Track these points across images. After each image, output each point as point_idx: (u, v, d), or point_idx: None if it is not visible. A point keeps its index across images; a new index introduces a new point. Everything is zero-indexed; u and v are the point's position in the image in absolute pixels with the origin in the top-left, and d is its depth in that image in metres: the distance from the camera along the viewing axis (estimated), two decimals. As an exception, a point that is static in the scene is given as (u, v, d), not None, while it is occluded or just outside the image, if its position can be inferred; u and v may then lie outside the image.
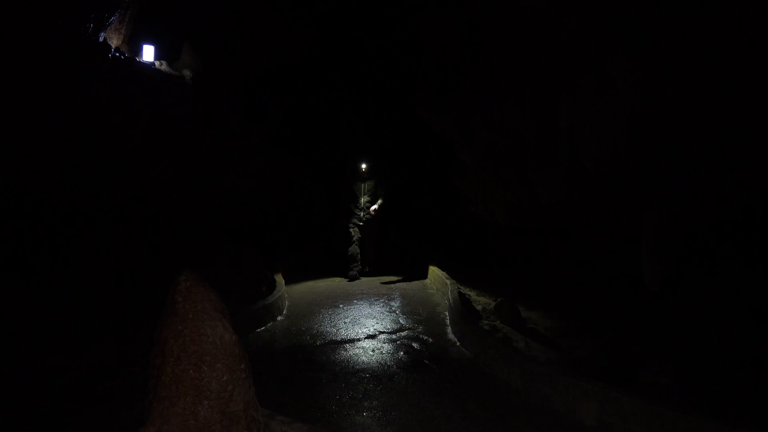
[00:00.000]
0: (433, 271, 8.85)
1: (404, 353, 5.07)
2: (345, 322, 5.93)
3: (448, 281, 7.53)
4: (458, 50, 6.68)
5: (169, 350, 2.39)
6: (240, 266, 6.05)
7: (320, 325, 5.88)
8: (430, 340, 5.47)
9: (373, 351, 5.09)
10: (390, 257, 10.66)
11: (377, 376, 4.53)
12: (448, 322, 6.09)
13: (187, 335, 2.42)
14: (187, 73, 6.94)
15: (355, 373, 4.56)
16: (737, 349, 4.93)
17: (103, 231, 5.83)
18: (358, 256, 9.06)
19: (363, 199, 8.99)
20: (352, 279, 8.89)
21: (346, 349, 5.11)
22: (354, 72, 8.23)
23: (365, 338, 5.45)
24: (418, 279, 9.13)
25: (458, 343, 5.41)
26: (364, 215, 9.00)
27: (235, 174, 7.61)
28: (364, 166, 8.97)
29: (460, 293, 6.79)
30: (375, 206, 8.91)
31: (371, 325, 5.85)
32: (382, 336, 5.53)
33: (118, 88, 5.68)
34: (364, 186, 8.99)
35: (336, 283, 8.87)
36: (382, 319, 6.08)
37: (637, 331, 5.67)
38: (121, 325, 5.09)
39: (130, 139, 5.68)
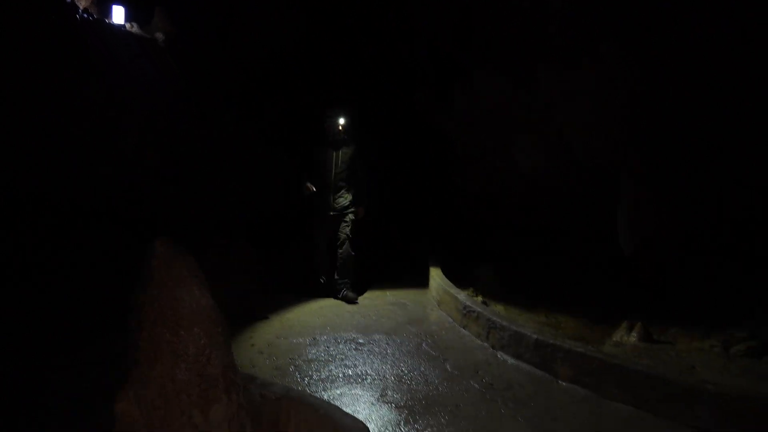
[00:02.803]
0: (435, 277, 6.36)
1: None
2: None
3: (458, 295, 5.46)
4: (450, 38, 6.58)
5: (146, 315, 2.38)
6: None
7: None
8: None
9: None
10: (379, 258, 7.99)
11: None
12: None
13: (163, 300, 2.41)
14: (159, 36, 6.76)
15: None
16: (703, 310, 5.08)
17: (100, 231, 5.76)
18: (324, 267, 6.27)
19: (334, 174, 6.02)
20: (349, 302, 5.99)
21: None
22: (348, 64, 7.96)
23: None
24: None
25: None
26: (336, 199, 6.05)
27: (230, 172, 7.43)
28: (341, 121, 6.02)
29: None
30: (361, 210, 6.19)
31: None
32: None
33: (90, 49, 5.53)
34: (338, 155, 6.02)
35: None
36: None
37: (614, 298, 5.78)
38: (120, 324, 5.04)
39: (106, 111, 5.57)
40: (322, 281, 6.27)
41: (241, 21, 6.93)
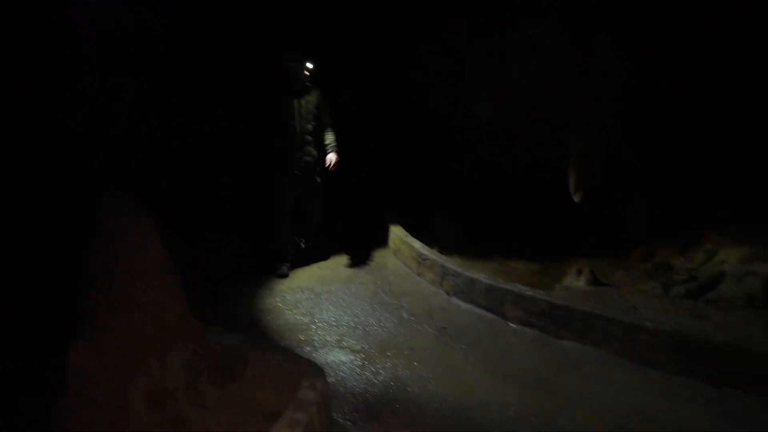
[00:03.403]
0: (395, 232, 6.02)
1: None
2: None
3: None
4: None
5: (100, 267, 2.37)
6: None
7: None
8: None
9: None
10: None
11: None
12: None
13: (117, 251, 2.39)
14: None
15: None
16: (646, 254, 5.32)
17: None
18: (288, 239, 5.34)
19: (299, 126, 5.09)
20: (280, 276, 5.15)
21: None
22: (342, 57, 7.66)
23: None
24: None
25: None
26: (301, 158, 5.13)
27: (223, 167, 7.09)
28: (309, 66, 5.13)
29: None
30: (332, 156, 5.21)
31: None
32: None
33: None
34: (300, 104, 5.08)
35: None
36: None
37: (565, 247, 5.96)
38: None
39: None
40: (286, 269, 5.21)
41: (234, 15, 6.64)
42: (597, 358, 3.50)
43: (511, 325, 4.01)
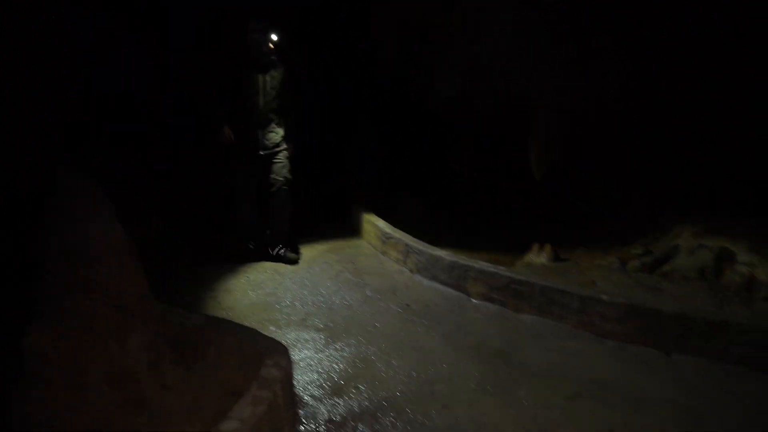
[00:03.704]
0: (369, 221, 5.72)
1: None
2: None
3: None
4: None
5: (56, 249, 2.33)
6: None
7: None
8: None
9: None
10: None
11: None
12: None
13: (75, 233, 2.36)
14: None
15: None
16: (605, 231, 5.46)
17: None
18: (252, 223, 5.02)
19: (263, 103, 4.71)
20: (289, 262, 4.93)
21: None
22: (341, 57, 7.49)
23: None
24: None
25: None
26: (266, 135, 4.79)
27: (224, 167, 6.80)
28: (274, 38, 4.74)
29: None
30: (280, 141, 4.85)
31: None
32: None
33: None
34: (265, 80, 4.71)
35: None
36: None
37: (528, 222, 6.07)
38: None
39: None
40: (251, 247, 5.04)
41: (234, 16, 6.43)
42: (556, 330, 3.60)
43: (473, 300, 4.09)
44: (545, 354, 3.29)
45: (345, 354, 3.24)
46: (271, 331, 3.51)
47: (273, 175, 4.87)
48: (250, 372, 2.34)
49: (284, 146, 4.90)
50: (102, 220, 2.46)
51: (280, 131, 4.87)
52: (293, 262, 4.93)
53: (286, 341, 3.35)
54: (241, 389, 2.34)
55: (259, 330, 2.77)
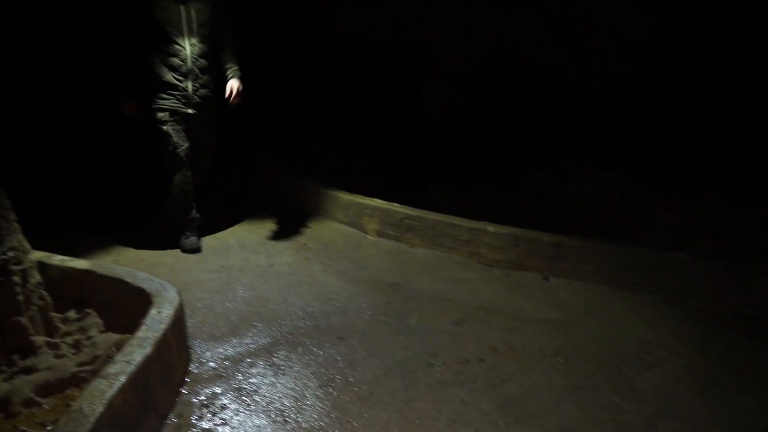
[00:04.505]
0: None
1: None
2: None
3: None
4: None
5: None
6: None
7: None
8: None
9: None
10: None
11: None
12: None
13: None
14: None
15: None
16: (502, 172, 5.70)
17: None
18: (191, 193, 3.94)
19: (190, 46, 3.66)
20: (192, 250, 3.90)
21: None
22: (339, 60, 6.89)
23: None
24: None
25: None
26: (196, 90, 3.75)
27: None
28: None
29: None
30: (234, 82, 3.85)
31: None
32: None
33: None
34: (189, 14, 3.63)
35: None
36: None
37: (426, 163, 6.18)
38: None
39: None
40: (187, 235, 3.95)
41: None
42: (447, 262, 3.78)
43: (369, 237, 4.20)
44: (436, 284, 3.46)
45: (241, 294, 3.25)
46: (164, 273, 3.44)
47: (203, 138, 3.92)
48: (139, 314, 2.30)
49: (218, 103, 3.91)
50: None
51: (213, 83, 3.86)
52: (195, 250, 3.91)
53: (182, 282, 3.31)
54: (129, 332, 2.31)
55: (149, 274, 2.71)
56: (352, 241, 4.15)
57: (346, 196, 4.39)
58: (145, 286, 2.49)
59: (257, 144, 6.55)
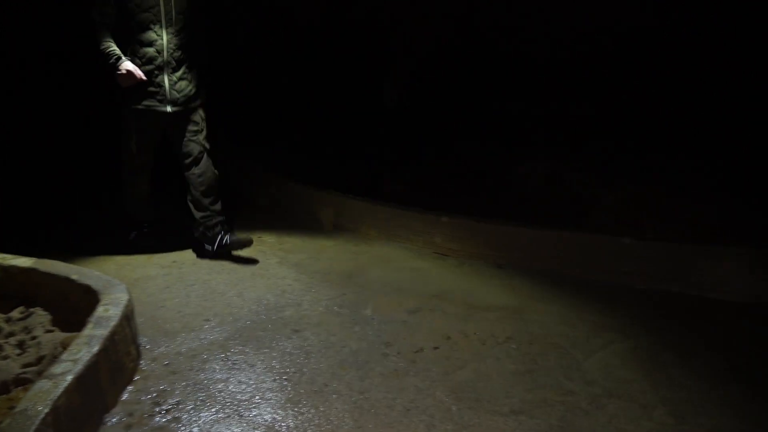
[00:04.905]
0: None
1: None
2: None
3: None
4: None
5: None
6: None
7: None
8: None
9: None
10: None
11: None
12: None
13: None
14: None
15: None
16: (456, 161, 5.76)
17: None
18: (147, 198, 3.79)
19: (167, 35, 3.32)
20: (242, 246, 3.62)
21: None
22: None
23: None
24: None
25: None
26: (176, 83, 3.41)
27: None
28: None
29: None
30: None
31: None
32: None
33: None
34: (168, 4, 3.29)
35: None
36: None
37: (383, 154, 6.19)
38: None
39: None
40: (144, 230, 3.83)
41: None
42: (402, 253, 3.82)
43: (325, 228, 4.19)
44: (391, 274, 3.48)
45: (194, 289, 3.20)
46: (113, 270, 3.36)
47: (190, 142, 3.53)
48: (86, 312, 2.24)
49: (200, 101, 3.57)
50: None
51: (194, 78, 3.51)
52: (248, 244, 3.62)
53: (132, 279, 3.23)
54: (76, 330, 2.25)
55: (96, 271, 2.64)
56: (308, 233, 4.14)
57: (302, 188, 4.37)
58: (91, 282, 2.43)
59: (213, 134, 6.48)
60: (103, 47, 3.24)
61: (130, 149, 3.51)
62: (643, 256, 3.33)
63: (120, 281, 2.48)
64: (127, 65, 3.22)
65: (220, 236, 3.58)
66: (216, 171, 3.62)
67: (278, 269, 3.52)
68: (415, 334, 2.76)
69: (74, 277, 2.48)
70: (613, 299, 3.20)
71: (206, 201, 3.56)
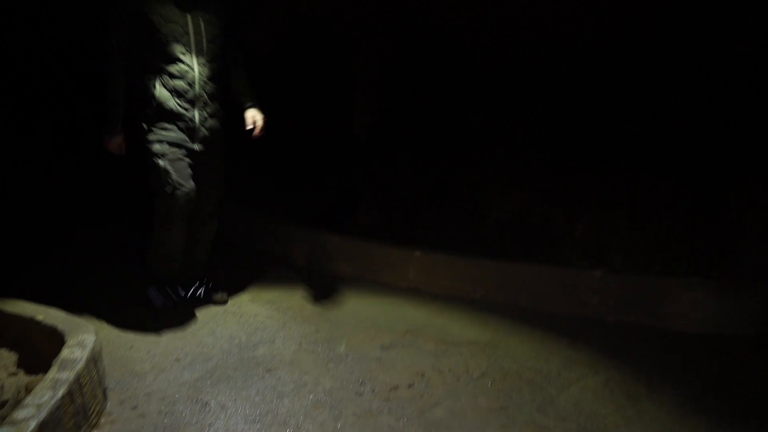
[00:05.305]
0: None
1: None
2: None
3: None
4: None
5: None
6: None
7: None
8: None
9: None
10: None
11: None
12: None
13: None
14: None
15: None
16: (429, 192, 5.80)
17: None
18: (179, 256, 3.29)
19: (198, 66, 2.98)
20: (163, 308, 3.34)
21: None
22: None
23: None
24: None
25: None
26: (205, 120, 3.06)
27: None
28: None
29: None
30: (256, 114, 3.26)
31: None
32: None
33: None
34: (198, 25, 2.96)
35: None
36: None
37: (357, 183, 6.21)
38: None
39: None
40: (182, 296, 3.45)
41: None
42: (375, 286, 3.81)
43: (298, 263, 4.17)
44: (365, 309, 3.48)
45: (164, 327, 3.14)
46: (81, 308, 3.28)
47: (207, 190, 3.20)
48: (52, 354, 2.19)
49: (223, 146, 3.27)
50: None
51: (218, 110, 3.18)
52: (221, 303, 3.46)
53: (100, 318, 3.17)
54: (41, 372, 2.19)
55: (62, 310, 2.58)
56: (281, 269, 4.12)
57: (275, 224, 4.36)
58: (57, 324, 2.38)
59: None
60: (109, 103, 2.96)
61: (163, 191, 2.95)
62: (611, 288, 3.38)
63: (88, 322, 2.43)
64: (117, 141, 3.02)
65: (195, 285, 3.46)
66: (217, 224, 3.43)
67: (251, 306, 3.48)
68: (389, 372, 2.74)
69: (39, 318, 2.42)
70: (584, 332, 3.23)
71: (199, 249, 3.41)
